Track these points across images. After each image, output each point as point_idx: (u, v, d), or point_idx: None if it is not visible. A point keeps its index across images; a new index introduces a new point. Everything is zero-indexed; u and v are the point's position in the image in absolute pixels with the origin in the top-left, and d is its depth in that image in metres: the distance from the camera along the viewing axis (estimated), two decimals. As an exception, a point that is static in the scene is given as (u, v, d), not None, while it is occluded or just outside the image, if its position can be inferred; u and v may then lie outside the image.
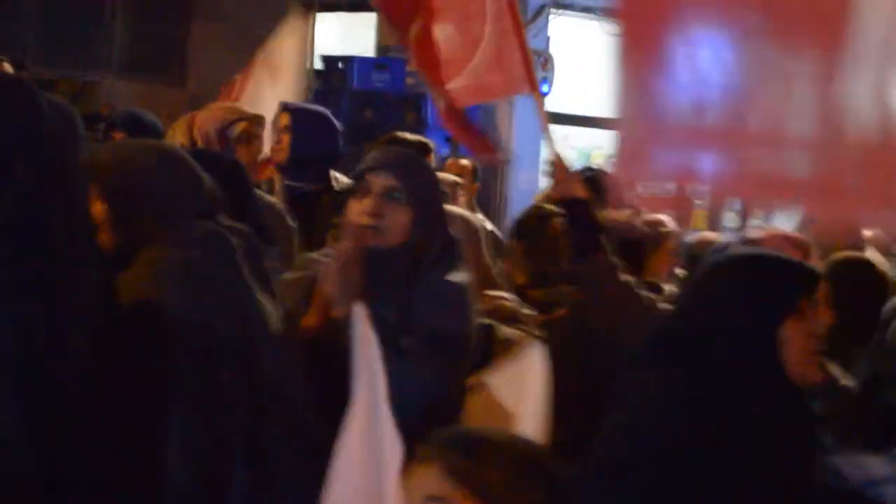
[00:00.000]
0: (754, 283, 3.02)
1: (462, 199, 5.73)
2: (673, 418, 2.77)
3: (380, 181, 3.00)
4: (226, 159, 4.41)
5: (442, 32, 4.01)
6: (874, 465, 2.08)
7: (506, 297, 4.23)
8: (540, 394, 3.37)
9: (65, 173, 3.11)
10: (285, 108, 5.39)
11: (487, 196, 9.07)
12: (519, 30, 3.93)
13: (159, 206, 3.01)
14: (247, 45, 13.21)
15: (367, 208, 2.93)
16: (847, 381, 3.67)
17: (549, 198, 5.06)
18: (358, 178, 3.14)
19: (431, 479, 1.92)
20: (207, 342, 2.92)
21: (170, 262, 2.98)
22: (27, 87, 3.07)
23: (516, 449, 2.04)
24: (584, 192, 3.86)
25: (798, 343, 2.67)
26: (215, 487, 2.86)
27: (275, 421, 2.93)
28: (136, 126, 6.12)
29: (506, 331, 3.96)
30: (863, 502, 2.08)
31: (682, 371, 2.86)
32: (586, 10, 13.59)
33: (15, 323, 2.71)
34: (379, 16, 12.04)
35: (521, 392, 3.40)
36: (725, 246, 4.86)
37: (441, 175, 5.62)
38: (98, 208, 2.93)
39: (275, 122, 5.23)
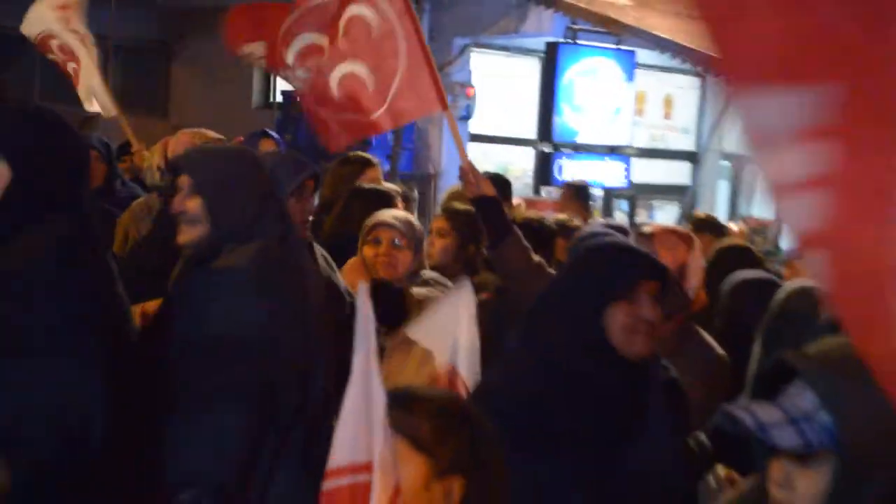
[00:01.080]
0: (587, 272, 3.05)
1: (401, 205, 5.57)
2: (524, 379, 2.78)
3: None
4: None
5: (361, 71, 4.07)
6: (764, 412, 1.83)
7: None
8: (471, 326, 3.21)
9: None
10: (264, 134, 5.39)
11: (422, 202, 9.06)
12: (428, 59, 3.98)
13: (247, 204, 2.90)
14: (218, 85, 13.50)
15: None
16: (719, 350, 3.64)
17: (462, 197, 4.95)
18: (371, 229, 3.61)
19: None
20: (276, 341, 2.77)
21: (252, 262, 2.85)
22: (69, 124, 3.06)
23: (441, 402, 2.05)
24: (491, 190, 3.86)
25: (622, 323, 2.61)
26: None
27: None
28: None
29: (419, 291, 3.96)
30: (756, 443, 1.88)
31: (534, 343, 2.89)
32: (504, 48, 13.34)
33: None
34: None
35: (449, 331, 3.22)
36: (592, 236, 5.15)
37: (388, 185, 5.58)
38: (193, 202, 2.84)
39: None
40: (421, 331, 3.35)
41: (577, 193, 7.35)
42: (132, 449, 2.72)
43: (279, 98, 12.38)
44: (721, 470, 2.82)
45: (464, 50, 12.46)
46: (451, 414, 2.01)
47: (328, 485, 1.84)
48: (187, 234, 2.90)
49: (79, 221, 2.78)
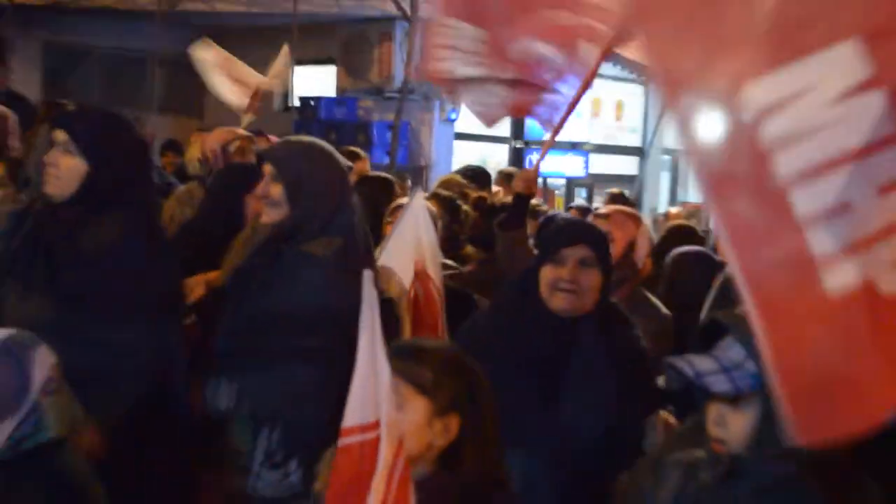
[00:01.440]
0: (537, 240, 3.27)
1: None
2: (480, 320, 2.81)
3: (574, 253, 2.65)
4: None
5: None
6: (701, 362, 1.85)
7: None
8: (429, 228, 3.20)
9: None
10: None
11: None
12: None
13: (324, 193, 2.72)
14: None
15: (565, 276, 2.59)
16: (664, 310, 3.59)
17: (448, 185, 4.95)
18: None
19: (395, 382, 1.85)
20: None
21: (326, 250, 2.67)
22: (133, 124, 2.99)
23: (441, 352, 2.00)
24: (536, 192, 3.75)
25: (545, 280, 2.54)
26: None
27: None
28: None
29: None
30: (694, 390, 1.86)
31: (494, 301, 2.93)
32: None
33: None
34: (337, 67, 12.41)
35: (413, 246, 3.16)
36: (553, 217, 5.19)
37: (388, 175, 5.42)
38: (275, 188, 2.68)
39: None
40: (392, 250, 3.18)
41: (506, 178, 6.91)
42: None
43: (297, 103, 12.04)
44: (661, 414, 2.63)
45: None
46: (450, 362, 1.96)
47: (342, 442, 1.76)
48: (269, 216, 2.72)
49: (147, 207, 2.74)
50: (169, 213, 4.25)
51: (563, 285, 2.54)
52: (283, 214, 2.64)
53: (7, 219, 2.69)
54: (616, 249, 3.51)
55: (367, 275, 1.72)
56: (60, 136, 2.57)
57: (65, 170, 2.55)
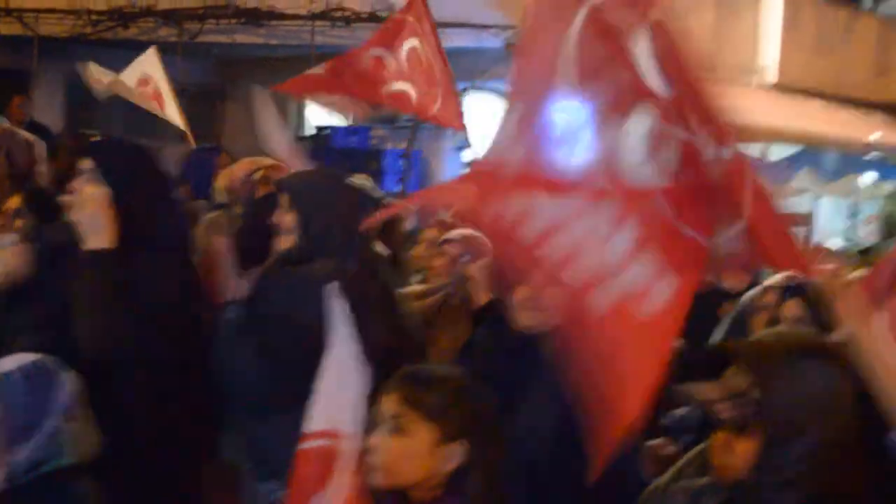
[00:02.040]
0: None
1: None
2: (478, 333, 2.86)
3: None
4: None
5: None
6: (709, 391, 1.87)
7: None
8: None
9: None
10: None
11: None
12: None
13: (335, 223, 2.72)
14: None
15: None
16: None
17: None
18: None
19: (392, 403, 1.85)
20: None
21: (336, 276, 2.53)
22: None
23: (450, 379, 1.96)
24: None
25: (516, 298, 2.50)
26: None
27: None
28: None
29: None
30: (703, 416, 1.89)
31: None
32: (495, 90, 12.85)
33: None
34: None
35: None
36: None
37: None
38: (288, 217, 2.71)
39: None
40: None
41: None
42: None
43: (311, 131, 12.30)
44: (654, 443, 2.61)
45: (463, 92, 12.41)
46: (459, 388, 1.92)
47: (303, 445, 1.73)
48: (283, 243, 2.71)
49: (178, 237, 2.76)
50: (199, 241, 4.21)
51: (529, 303, 2.52)
52: (294, 242, 2.68)
53: (35, 252, 2.68)
54: None
55: (332, 287, 1.74)
56: (86, 164, 2.59)
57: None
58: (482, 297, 3.01)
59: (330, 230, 2.67)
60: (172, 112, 7.11)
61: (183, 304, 2.58)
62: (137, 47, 11.72)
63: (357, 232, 2.69)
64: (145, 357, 2.40)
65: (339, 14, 11.28)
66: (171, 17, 11.70)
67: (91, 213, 2.49)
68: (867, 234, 15.23)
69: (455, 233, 3.82)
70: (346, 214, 2.73)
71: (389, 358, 2.18)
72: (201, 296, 2.71)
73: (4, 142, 6.16)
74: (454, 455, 1.81)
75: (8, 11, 11.64)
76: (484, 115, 12.45)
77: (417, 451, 1.81)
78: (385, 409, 1.85)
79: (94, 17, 11.70)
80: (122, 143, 2.98)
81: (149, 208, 2.61)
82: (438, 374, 1.98)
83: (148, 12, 11.64)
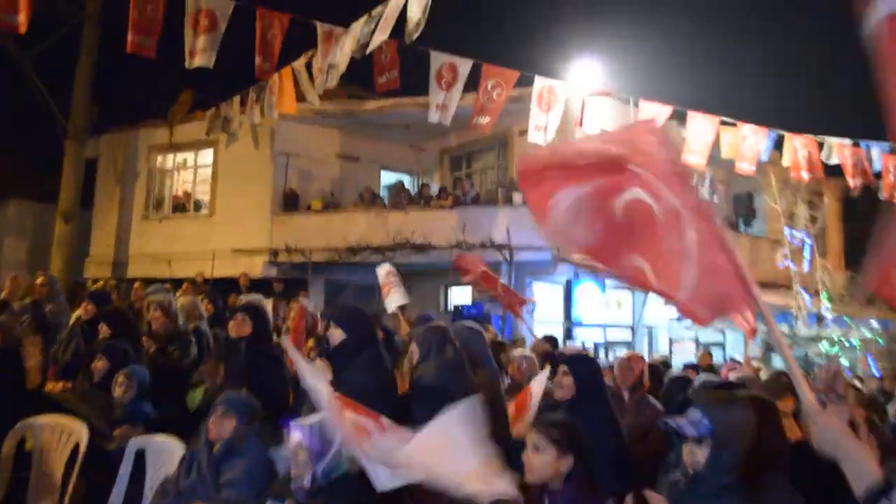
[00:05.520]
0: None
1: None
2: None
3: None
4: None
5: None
6: (681, 420, 2.21)
7: None
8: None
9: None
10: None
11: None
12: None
13: (367, 329, 3.63)
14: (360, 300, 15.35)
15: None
16: (660, 407, 4.41)
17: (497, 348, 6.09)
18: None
19: (534, 435, 2.41)
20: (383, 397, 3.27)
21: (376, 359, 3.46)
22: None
23: (563, 421, 2.50)
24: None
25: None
26: None
27: None
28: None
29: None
30: (677, 434, 2.22)
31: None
32: (547, 281, 15.25)
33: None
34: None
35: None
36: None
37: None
38: (336, 331, 3.53)
39: None
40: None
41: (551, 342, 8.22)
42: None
43: (451, 307, 14.89)
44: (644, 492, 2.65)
45: (530, 283, 15.20)
46: (568, 427, 2.49)
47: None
48: (333, 341, 3.59)
49: (380, 350, 3.62)
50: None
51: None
52: (342, 338, 3.54)
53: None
54: (634, 375, 4.56)
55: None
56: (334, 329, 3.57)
57: (335, 336, 3.51)
58: None
59: (359, 338, 3.53)
60: (392, 298, 7.40)
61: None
62: (362, 266, 14.95)
63: (375, 338, 3.59)
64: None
65: (464, 245, 14.43)
66: (378, 250, 15.37)
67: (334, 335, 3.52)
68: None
69: (628, 354, 4.70)
70: (369, 326, 3.63)
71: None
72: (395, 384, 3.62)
73: (306, 314, 6.83)
74: (566, 462, 2.37)
75: (296, 250, 15.85)
76: (541, 298, 14.84)
77: (547, 461, 2.37)
78: (530, 438, 2.38)
79: (339, 251, 15.61)
80: (350, 306, 3.91)
81: (364, 342, 3.55)
82: (556, 418, 2.49)
83: (366, 248, 15.43)
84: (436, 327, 4.14)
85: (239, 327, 4.81)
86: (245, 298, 7.63)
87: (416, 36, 8.93)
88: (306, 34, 10.27)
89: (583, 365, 3.99)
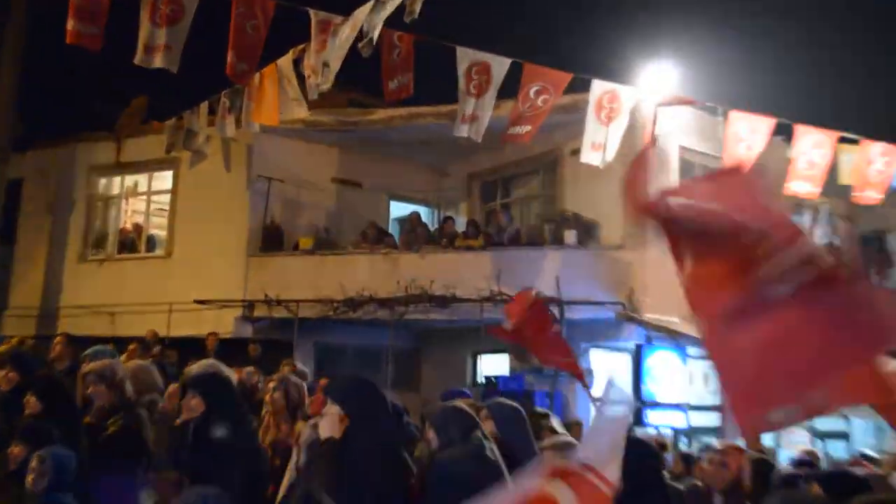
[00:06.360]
0: None
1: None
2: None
3: None
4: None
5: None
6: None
7: None
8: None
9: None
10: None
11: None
12: None
13: (380, 406, 4.01)
14: (446, 369, 16.67)
15: None
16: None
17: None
18: None
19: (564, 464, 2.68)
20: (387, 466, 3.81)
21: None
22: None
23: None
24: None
25: None
26: None
27: None
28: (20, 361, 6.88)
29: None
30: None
31: None
32: (609, 348, 15.60)
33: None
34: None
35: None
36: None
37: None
38: (333, 407, 3.96)
39: None
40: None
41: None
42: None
43: (483, 379, 15.22)
44: None
45: (586, 350, 15.14)
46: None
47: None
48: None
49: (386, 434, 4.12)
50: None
51: None
52: (342, 428, 3.87)
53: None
54: (731, 472, 4.96)
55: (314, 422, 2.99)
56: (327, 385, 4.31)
57: (330, 413, 3.86)
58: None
59: (364, 413, 3.89)
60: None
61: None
62: (362, 324, 15.80)
63: (388, 408, 4.10)
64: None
65: (499, 298, 14.41)
66: (386, 303, 15.66)
67: (332, 419, 3.83)
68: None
69: (722, 445, 4.92)
70: (381, 402, 4.08)
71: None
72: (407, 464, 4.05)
73: (284, 383, 7.09)
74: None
75: (279, 302, 16.20)
76: (601, 366, 15.03)
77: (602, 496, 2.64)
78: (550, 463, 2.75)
79: (334, 304, 15.90)
80: (351, 377, 4.53)
81: (368, 420, 3.87)
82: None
83: (370, 300, 15.72)
84: (458, 407, 4.33)
85: (187, 408, 4.96)
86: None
87: (418, 10, 9.21)
88: (296, 25, 10.38)
89: (635, 451, 4.00)
